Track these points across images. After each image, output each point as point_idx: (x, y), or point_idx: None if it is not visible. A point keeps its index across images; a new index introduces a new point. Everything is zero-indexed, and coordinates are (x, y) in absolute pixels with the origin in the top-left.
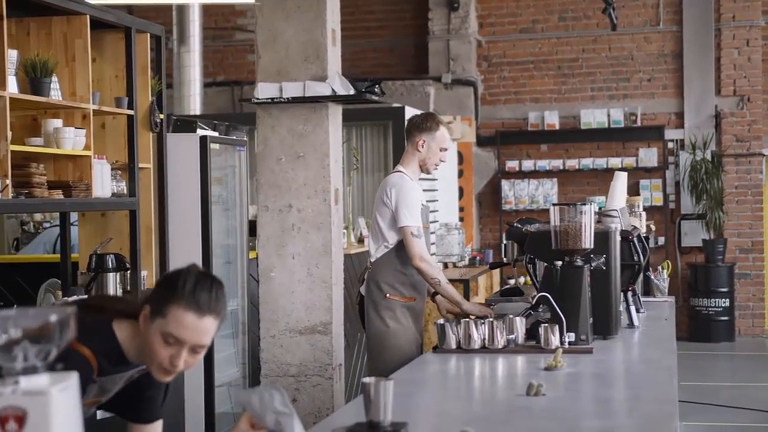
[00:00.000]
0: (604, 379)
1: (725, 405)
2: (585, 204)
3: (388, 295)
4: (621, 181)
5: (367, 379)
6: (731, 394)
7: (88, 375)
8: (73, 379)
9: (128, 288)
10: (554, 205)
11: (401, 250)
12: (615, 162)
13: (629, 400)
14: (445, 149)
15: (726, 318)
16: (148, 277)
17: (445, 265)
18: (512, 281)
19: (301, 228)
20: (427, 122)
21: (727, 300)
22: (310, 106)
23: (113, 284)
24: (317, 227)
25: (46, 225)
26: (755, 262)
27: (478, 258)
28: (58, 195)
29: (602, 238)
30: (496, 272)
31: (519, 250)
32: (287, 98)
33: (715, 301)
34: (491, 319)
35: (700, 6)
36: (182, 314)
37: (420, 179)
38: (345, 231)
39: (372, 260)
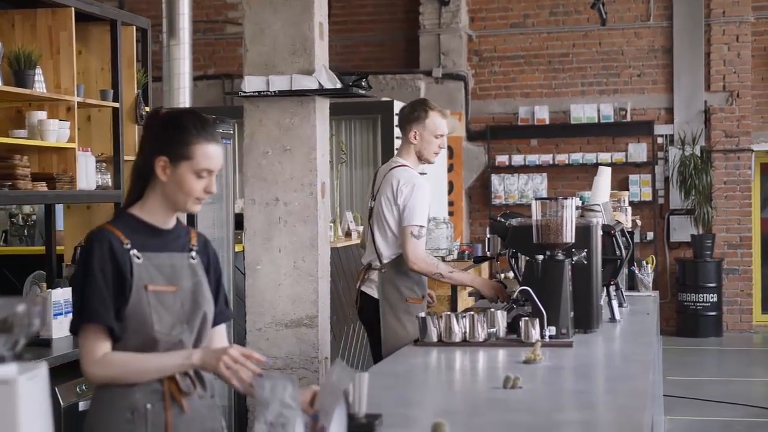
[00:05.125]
0: (581, 372)
1: (712, 399)
2: (566, 198)
3: (408, 299)
4: (604, 176)
5: None
6: (718, 389)
7: (112, 241)
8: (41, 368)
9: None
10: (536, 199)
11: None
12: (605, 157)
13: (603, 393)
14: (441, 135)
15: (714, 313)
16: None
17: None
18: (502, 275)
19: (288, 221)
20: (415, 111)
21: (715, 295)
22: (297, 99)
23: None
24: (304, 221)
25: (35, 218)
26: (743, 258)
27: (467, 252)
28: (42, 187)
29: (584, 232)
30: (485, 266)
31: (502, 245)
32: (274, 92)
33: (703, 296)
34: (472, 313)
35: (690, 1)
36: (206, 149)
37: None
38: (332, 225)
39: (384, 261)
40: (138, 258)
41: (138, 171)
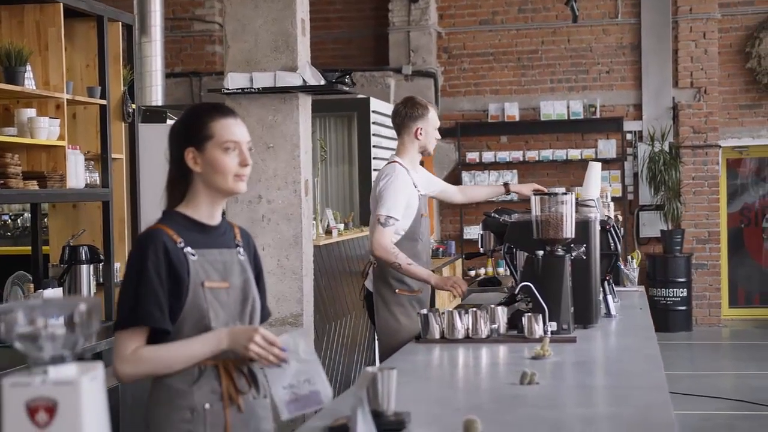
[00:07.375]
0: (590, 367)
1: (684, 393)
2: (566, 194)
3: (397, 290)
4: (595, 171)
5: (370, 369)
6: (690, 383)
7: (166, 241)
8: (99, 368)
9: (101, 280)
10: (536, 194)
11: (404, 243)
12: (574, 153)
13: (622, 389)
14: (437, 127)
15: (683, 308)
16: (122, 268)
17: None
18: (472, 273)
19: (272, 219)
20: (417, 110)
21: (685, 290)
22: (280, 96)
23: (86, 276)
24: (287, 218)
25: (5, 217)
26: (712, 253)
27: (441, 249)
28: (33, 186)
29: (582, 227)
30: (459, 263)
31: (496, 240)
32: (257, 89)
33: (673, 291)
34: (474, 309)
35: None
36: (224, 122)
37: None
38: (314, 222)
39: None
40: (193, 255)
41: (173, 178)
